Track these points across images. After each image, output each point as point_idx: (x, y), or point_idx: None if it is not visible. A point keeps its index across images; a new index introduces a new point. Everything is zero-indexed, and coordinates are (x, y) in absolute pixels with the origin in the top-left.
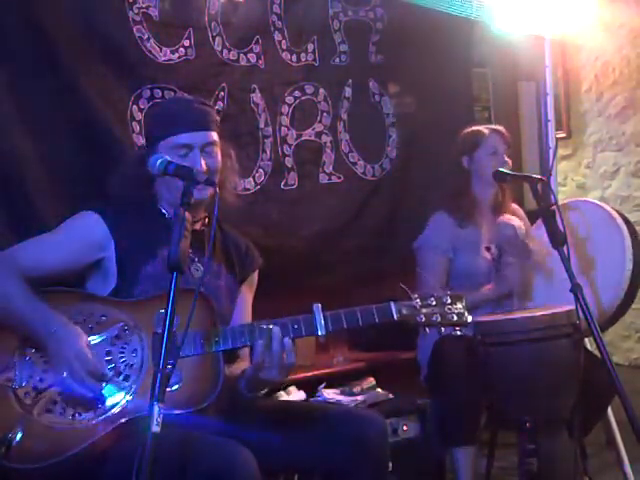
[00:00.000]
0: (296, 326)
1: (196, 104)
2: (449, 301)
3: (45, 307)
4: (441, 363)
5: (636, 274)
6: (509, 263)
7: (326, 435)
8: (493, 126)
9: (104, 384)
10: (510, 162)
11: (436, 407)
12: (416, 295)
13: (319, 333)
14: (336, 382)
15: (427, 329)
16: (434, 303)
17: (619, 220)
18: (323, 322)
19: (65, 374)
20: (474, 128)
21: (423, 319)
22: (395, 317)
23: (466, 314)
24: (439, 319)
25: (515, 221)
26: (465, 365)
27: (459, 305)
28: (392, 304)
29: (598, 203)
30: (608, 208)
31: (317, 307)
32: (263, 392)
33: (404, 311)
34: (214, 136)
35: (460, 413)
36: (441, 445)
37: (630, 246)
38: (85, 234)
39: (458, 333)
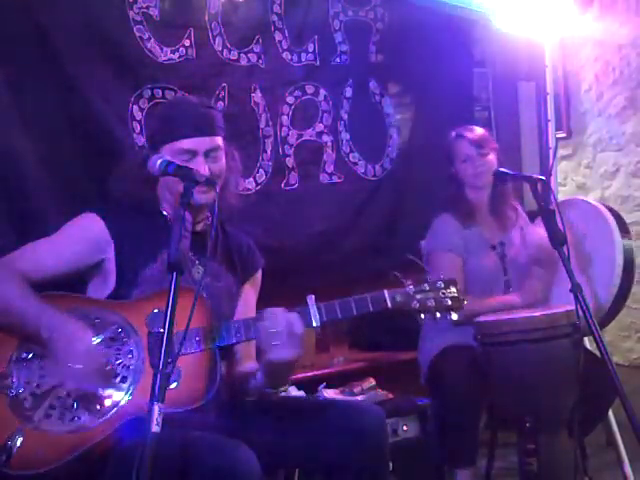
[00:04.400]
0: None
1: (202, 108)
2: (443, 286)
3: (47, 306)
4: (442, 379)
5: (627, 268)
6: (538, 275)
7: (325, 428)
8: (462, 130)
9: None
10: (490, 161)
11: (436, 413)
12: (409, 282)
13: (313, 324)
14: (336, 382)
15: (422, 315)
16: (428, 289)
17: (607, 214)
18: (317, 313)
19: (77, 367)
20: (452, 134)
21: (417, 305)
22: (389, 305)
23: (460, 297)
24: (433, 304)
25: (542, 231)
26: (467, 383)
27: (453, 289)
28: (386, 292)
29: (587, 200)
30: (596, 204)
31: (310, 298)
32: (283, 388)
33: (398, 298)
34: (219, 141)
35: (459, 436)
36: (440, 458)
37: (620, 240)
38: (85, 236)
39: (454, 317)
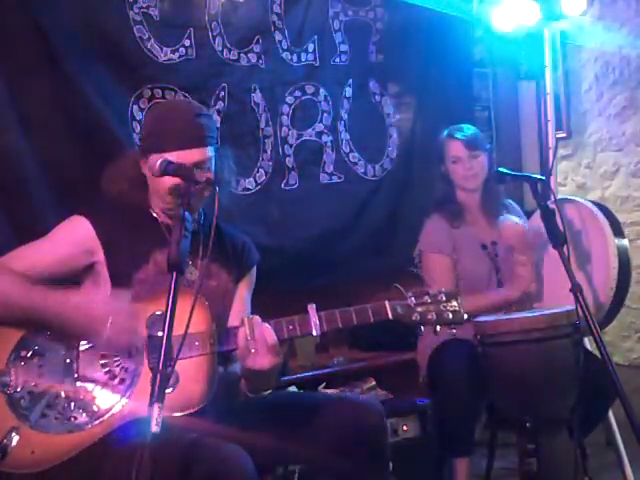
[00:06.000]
0: (291, 327)
1: (192, 117)
2: (444, 299)
3: (49, 290)
4: (441, 370)
5: (623, 271)
6: (521, 262)
7: (324, 425)
8: (454, 130)
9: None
10: (480, 163)
11: (435, 411)
12: (410, 293)
13: (314, 333)
14: (336, 382)
15: (422, 327)
16: (429, 301)
17: (599, 215)
18: (318, 322)
19: (109, 330)
20: (443, 134)
21: (418, 318)
22: (390, 316)
23: (462, 311)
24: (434, 317)
25: (514, 219)
26: (465, 373)
27: (454, 303)
28: (387, 303)
29: (581, 200)
30: (590, 205)
31: (312, 307)
32: (266, 393)
33: (399, 310)
34: (208, 152)
35: (458, 425)
36: (439, 452)
37: (614, 243)
38: (72, 240)
39: (454, 331)
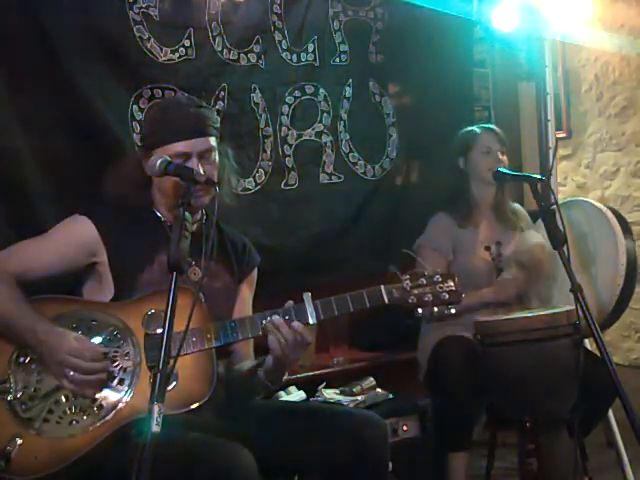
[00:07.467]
0: (287, 317)
1: (193, 108)
2: (440, 279)
3: (34, 315)
4: (441, 365)
5: (631, 269)
6: (514, 273)
7: (326, 436)
8: (486, 125)
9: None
10: (506, 161)
11: (434, 407)
12: (406, 276)
13: (310, 322)
14: (336, 382)
15: (420, 310)
16: (425, 283)
17: (609, 214)
18: (314, 310)
19: (69, 373)
20: (468, 128)
21: (415, 300)
22: (386, 300)
23: (459, 290)
24: (430, 298)
25: (537, 238)
26: (464, 368)
27: (451, 283)
28: (382, 287)
29: (590, 201)
30: (600, 205)
31: (307, 296)
32: (283, 380)
33: (395, 294)
34: (212, 141)
35: (457, 418)
36: (437, 447)
37: (623, 242)
38: (74, 238)
39: (452, 311)
